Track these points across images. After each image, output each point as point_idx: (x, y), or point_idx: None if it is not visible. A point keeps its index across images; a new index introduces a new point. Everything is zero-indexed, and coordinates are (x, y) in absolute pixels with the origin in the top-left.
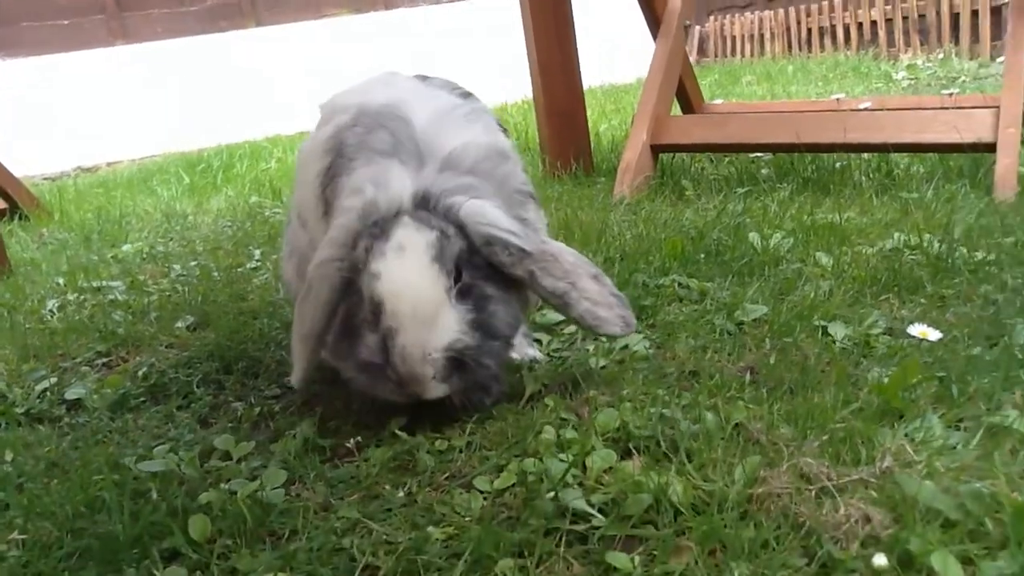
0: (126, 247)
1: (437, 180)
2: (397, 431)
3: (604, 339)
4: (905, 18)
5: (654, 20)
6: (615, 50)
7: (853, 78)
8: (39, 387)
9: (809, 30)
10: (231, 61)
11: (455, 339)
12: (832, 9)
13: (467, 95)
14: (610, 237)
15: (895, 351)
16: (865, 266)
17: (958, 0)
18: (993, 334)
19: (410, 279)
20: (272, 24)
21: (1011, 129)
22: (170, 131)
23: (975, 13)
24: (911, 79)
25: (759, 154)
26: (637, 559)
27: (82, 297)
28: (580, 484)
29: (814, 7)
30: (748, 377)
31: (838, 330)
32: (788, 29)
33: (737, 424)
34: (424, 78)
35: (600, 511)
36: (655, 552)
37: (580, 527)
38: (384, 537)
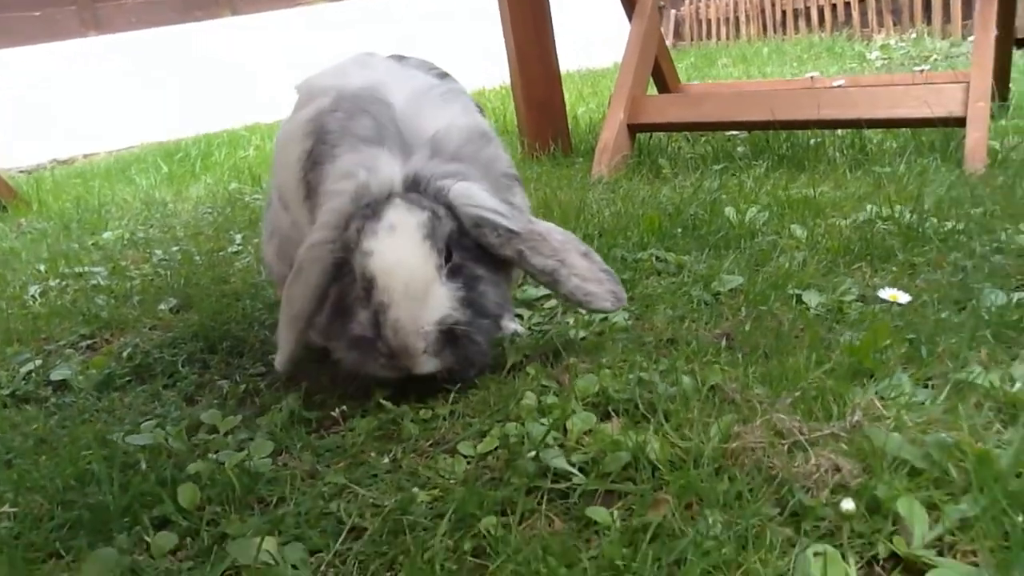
0: (106, 235)
1: (427, 165)
2: (382, 400)
3: (590, 314)
4: None
5: (629, 2)
6: (592, 35)
7: (827, 59)
8: (24, 369)
9: (784, 12)
10: (208, 51)
11: (446, 314)
12: None
13: (443, 75)
14: (589, 215)
15: (867, 316)
16: (839, 237)
17: None
18: (961, 298)
19: (402, 256)
20: (249, 13)
21: (980, 103)
22: (147, 122)
23: None
24: (884, 59)
25: (735, 132)
26: (616, 513)
27: (64, 283)
28: (561, 446)
29: None
30: (724, 343)
31: (812, 298)
32: (763, 11)
33: (713, 386)
34: (400, 58)
35: (580, 470)
36: (633, 506)
37: (561, 485)
38: (370, 500)
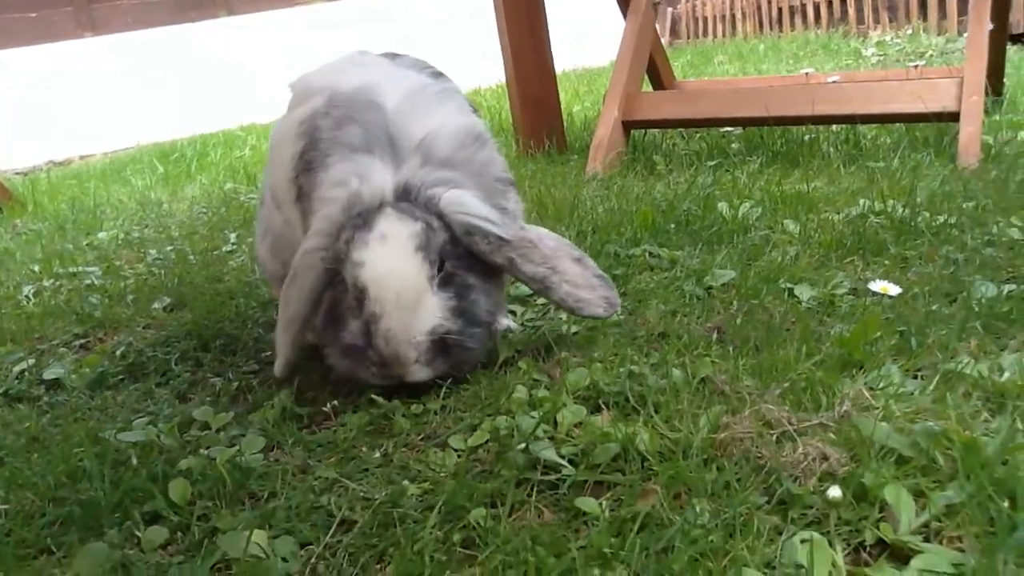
0: (101, 235)
1: (418, 173)
2: (373, 396)
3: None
4: None
5: None
6: (586, 34)
7: (823, 55)
8: (17, 368)
9: (780, 9)
10: (204, 51)
11: (438, 324)
12: None
13: (437, 74)
14: (582, 211)
15: (858, 309)
16: (831, 231)
17: None
18: (952, 291)
19: (393, 267)
20: (245, 13)
21: (974, 97)
22: (144, 123)
23: None
24: (880, 55)
25: (729, 129)
26: (605, 503)
27: (58, 283)
28: (551, 438)
29: None
30: (715, 336)
31: (804, 291)
32: (759, 8)
33: (703, 378)
34: (394, 56)
35: (570, 462)
36: (622, 497)
37: (550, 477)
38: (361, 494)
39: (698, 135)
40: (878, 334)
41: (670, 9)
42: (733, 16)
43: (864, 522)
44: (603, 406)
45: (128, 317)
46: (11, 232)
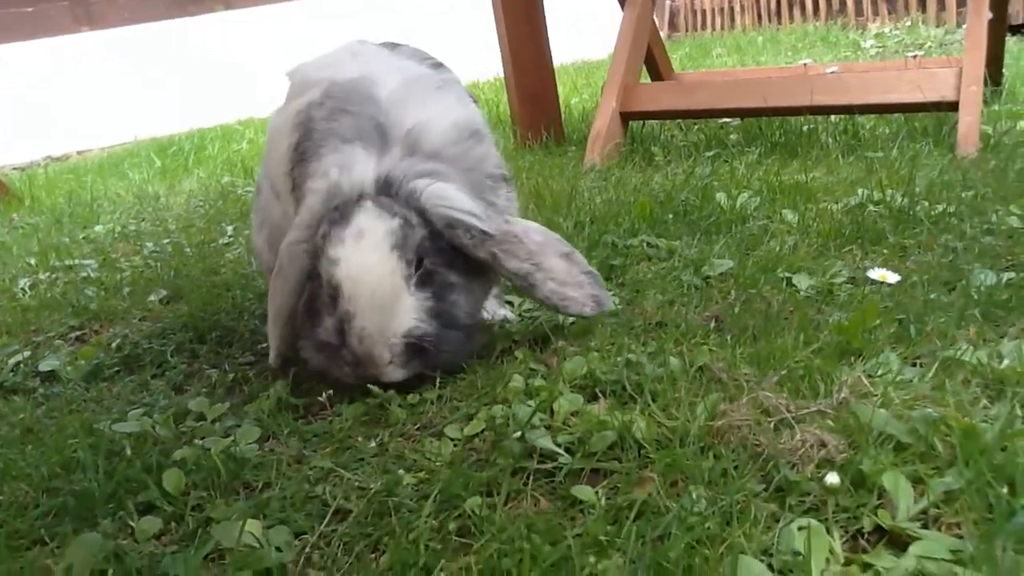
0: (98, 228)
1: (400, 165)
2: (369, 386)
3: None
4: None
5: None
6: (583, 21)
7: (822, 47)
8: (12, 361)
9: (778, 1)
10: (201, 46)
11: (413, 326)
12: None
13: (436, 65)
14: (580, 202)
15: (856, 297)
16: (830, 221)
17: None
18: (951, 279)
19: (368, 265)
20: (242, 7)
21: (973, 87)
22: (141, 118)
23: None
24: (879, 47)
25: (728, 120)
26: (601, 492)
27: (54, 276)
28: (547, 427)
29: None
30: (713, 325)
31: (802, 280)
32: (758, 1)
33: (700, 366)
34: (393, 47)
35: (566, 450)
36: (619, 485)
37: (546, 465)
38: (356, 483)
39: (696, 126)
40: (877, 322)
41: (668, 2)
42: (731, 9)
43: (862, 509)
44: (600, 395)
45: (124, 309)
46: (7, 226)
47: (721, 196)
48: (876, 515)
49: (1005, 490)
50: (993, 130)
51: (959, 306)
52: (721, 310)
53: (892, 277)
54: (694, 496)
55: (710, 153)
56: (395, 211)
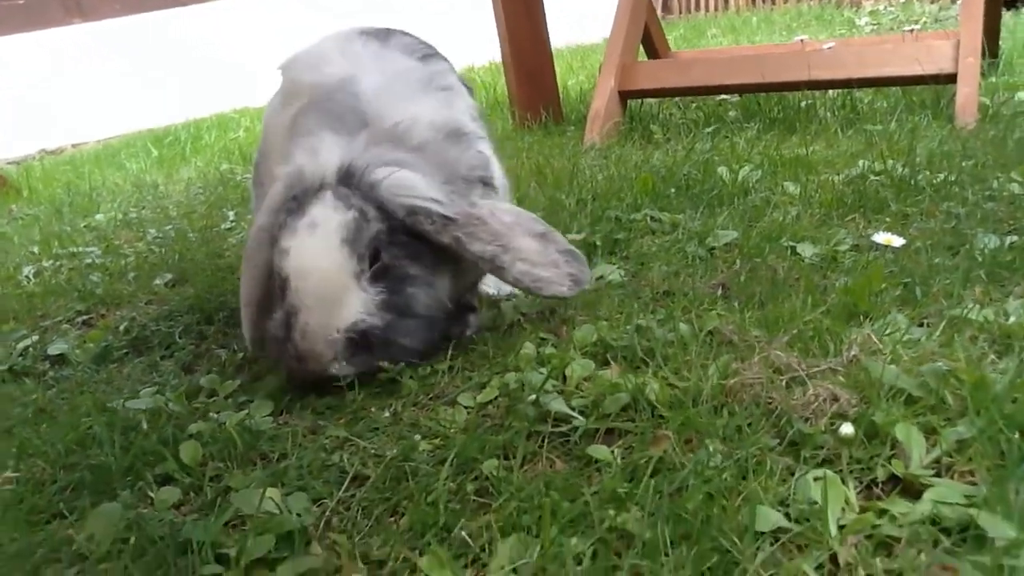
0: (99, 216)
1: (365, 154)
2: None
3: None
4: None
5: None
6: (582, 9)
7: (817, 26)
8: (20, 345)
9: None
10: (195, 36)
11: (358, 319)
12: None
13: (427, 56)
14: (582, 180)
15: (861, 263)
16: (832, 191)
17: None
18: (955, 244)
19: (316, 258)
20: None
21: (970, 59)
22: (136, 109)
23: None
24: (874, 24)
25: (725, 96)
26: (617, 451)
27: (58, 263)
28: (560, 392)
29: None
30: (720, 293)
31: (806, 249)
32: None
33: (710, 331)
34: (385, 36)
35: (580, 413)
36: (634, 444)
37: (561, 428)
38: (372, 451)
39: (694, 104)
40: (883, 285)
41: None
42: None
43: (875, 460)
44: (611, 360)
45: (130, 293)
46: (7, 217)
47: (723, 170)
48: (890, 465)
49: (1017, 436)
50: (991, 101)
51: (964, 268)
52: (727, 278)
53: (897, 241)
54: (711, 449)
55: (709, 129)
56: (352, 203)
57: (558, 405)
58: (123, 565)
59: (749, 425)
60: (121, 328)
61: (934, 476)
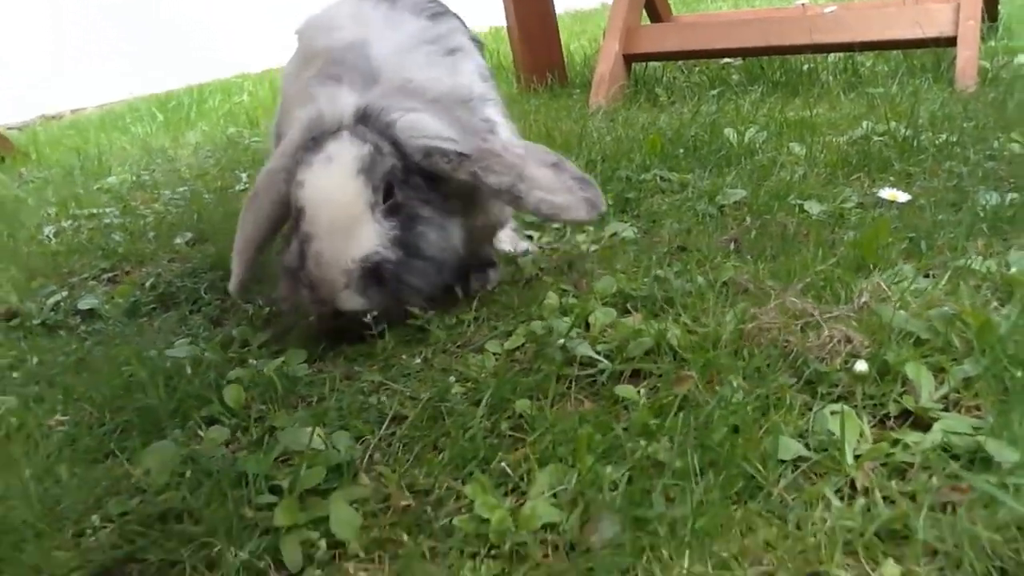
0: (111, 179)
1: (380, 99)
2: (408, 308)
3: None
4: None
5: None
6: None
7: None
8: (51, 301)
9: None
10: (192, 3)
11: (372, 252)
12: None
13: (436, 15)
14: (590, 142)
15: (868, 219)
16: (836, 152)
17: None
18: (957, 201)
19: (331, 188)
20: None
21: (971, 22)
22: (133, 75)
23: None
24: None
25: (729, 60)
26: (642, 391)
27: (76, 223)
28: (584, 338)
29: None
30: (732, 247)
31: (813, 206)
32: None
33: (725, 281)
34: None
35: (606, 357)
36: (658, 385)
37: (588, 371)
38: (408, 393)
39: (697, 68)
40: (889, 239)
41: None
42: None
43: (887, 396)
44: (631, 309)
45: (152, 251)
46: (18, 180)
47: (729, 132)
48: (901, 400)
49: (1020, 374)
50: (990, 65)
51: (967, 223)
52: (739, 234)
53: (902, 196)
54: (734, 385)
55: (714, 92)
56: (368, 139)
57: (584, 349)
58: (181, 496)
59: (768, 365)
60: (147, 284)
61: (943, 411)
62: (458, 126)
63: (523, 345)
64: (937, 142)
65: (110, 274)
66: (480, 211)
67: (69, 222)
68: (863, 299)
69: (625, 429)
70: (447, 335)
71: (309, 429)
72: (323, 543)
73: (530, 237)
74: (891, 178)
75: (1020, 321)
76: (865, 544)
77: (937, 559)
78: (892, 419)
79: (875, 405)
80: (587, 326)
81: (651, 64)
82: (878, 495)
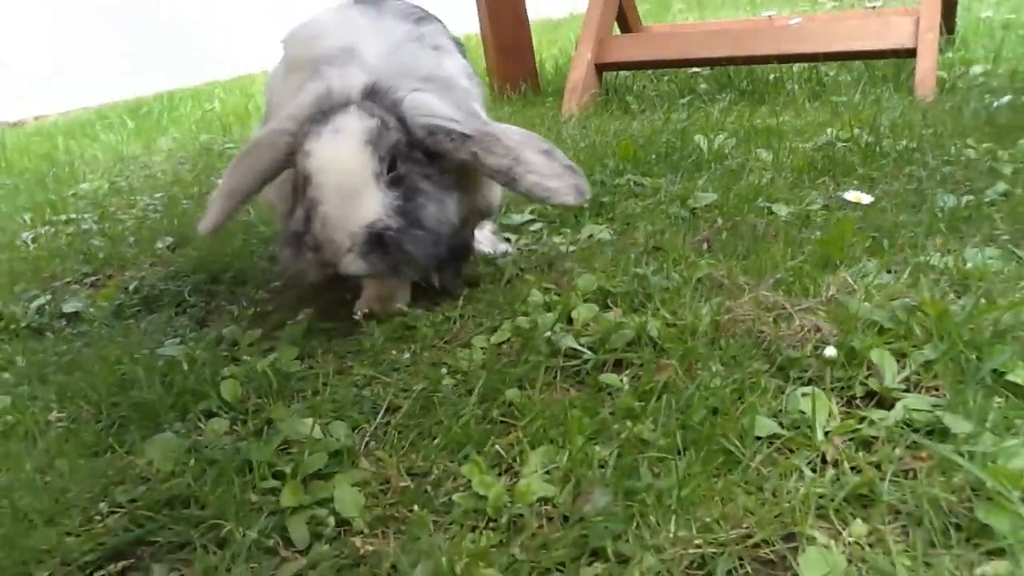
0: (84, 186)
1: (388, 78)
2: (400, 306)
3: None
4: None
5: None
6: None
7: (780, 2)
8: (34, 304)
9: None
10: (158, 8)
11: (376, 218)
12: None
13: (421, 18)
14: (564, 148)
15: (833, 220)
16: (802, 157)
17: None
18: (917, 203)
19: (339, 156)
20: None
21: (930, 34)
22: (97, 83)
23: None
24: (836, 1)
25: (697, 69)
26: (625, 379)
27: (53, 229)
28: (568, 332)
29: None
30: (705, 247)
31: (781, 208)
32: None
33: (700, 278)
34: (379, 3)
35: (589, 349)
36: (640, 373)
37: (572, 363)
38: (400, 385)
39: (666, 77)
40: (853, 238)
41: None
42: None
43: (854, 379)
44: (611, 305)
45: (133, 256)
46: None
47: (699, 138)
48: (867, 383)
49: (974, 357)
50: (948, 75)
51: (926, 223)
52: (711, 234)
53: (866, 198)
54: (713, 369)
55: (684, 100)
56: (375, 113)
57: (569, 342)
58: (186, 483)
59: (743, 353)
60: (131, 288)
61: (904, 391)
62: (460, 109)
63: (509, 339)
64: (898, 148)
65: (92, 278)
66: (468, 194)
67: (46, 228)
68: (830, 292)
69: (611, 413)
70: (434, 332)
71: (308, 419)
72: (331, 519)
73: (508, 239)
74: (855, 182)
75: (975, 311)
76: (835, 508)
77: (900, 518)
78: (858, 399)
79: (843, 387)
80: (570, 320)
81: (622, 73)
82: (846, 465)
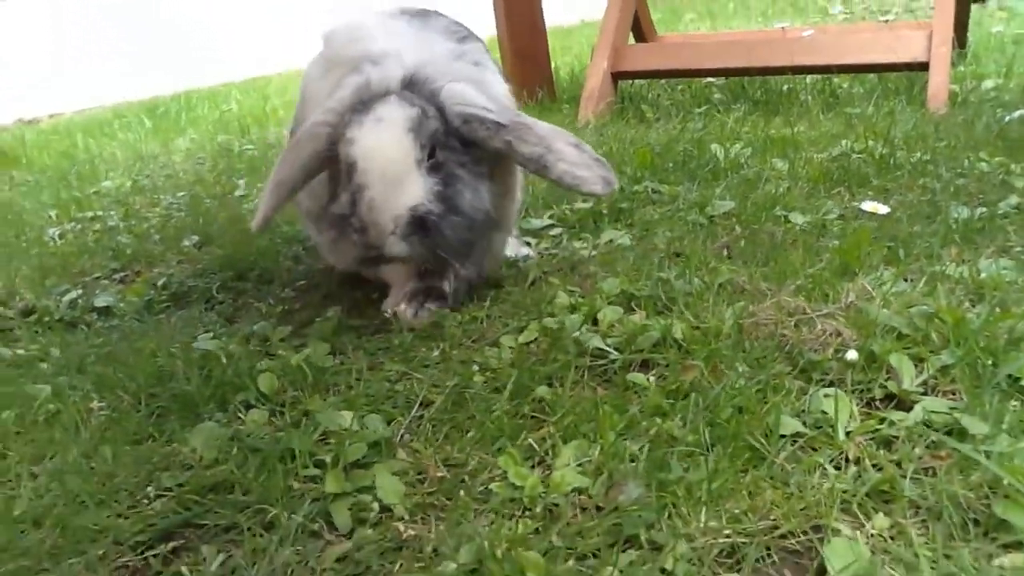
0: (106, 183)
1: (425, 69)
2: (428, 304)
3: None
4: None
5: None
6: None
7: (791, 13)
8: (66, 298)
9: None
10: (170, 10)
11: (419, 202)
12: None
13: (465, 37)
14: None
15: (849, 230)
16: (818, 167)
17: None
18: (932, 214)
19: (382, 143)
20: None
21: (942, 48)
22: (113, 82)
23: None
24: (847, 13)
25: (712, 79)
26: (652, 378)
27: (79, 226)
28: (595, 333)
29: None
30: (725, 253)
31: (798, 217)
32: None
33: (722, 283)
34: (424, 17)
35: (615, 349)
36: (666, 373)
37: (599, 362)
38: (431, 382)
39: (680, 86)
40: (870, 247)
41: None
42: None
43: (874, 382)
44: (635, 308)
45: (160, 253)
46: (8, 183)
47: (715, 147)
48: (886, 385)
49: (990, 363)
50: (960, 89)
51: (941, 233)
52: (730, 241)
53: (883, 209)
54: (739, 370)
55: (700, 110)
56: (415, 103)
57: (596, 342)
58: (230, 470)
59: (766, 356)
60: (160, 284)
61: (922, 394)
62: (494, 101)
63: (536, 339)
64: (912, 160)
65: (121, 274)
66: (497, 184)
67: (72, 224)
68: (850, 298)
69: (640, 410)
70: (462, 331)
71: (345, 412)
72: (376, 505)
73: (528, 243)
74: (870, 192)
75: (990, 318)
76: (858, 502)
77: (920, 513)
78: (878, 401)
79: (863, 390)
80: (595, 322)
81: (637, 82)
82: (868, 463)
